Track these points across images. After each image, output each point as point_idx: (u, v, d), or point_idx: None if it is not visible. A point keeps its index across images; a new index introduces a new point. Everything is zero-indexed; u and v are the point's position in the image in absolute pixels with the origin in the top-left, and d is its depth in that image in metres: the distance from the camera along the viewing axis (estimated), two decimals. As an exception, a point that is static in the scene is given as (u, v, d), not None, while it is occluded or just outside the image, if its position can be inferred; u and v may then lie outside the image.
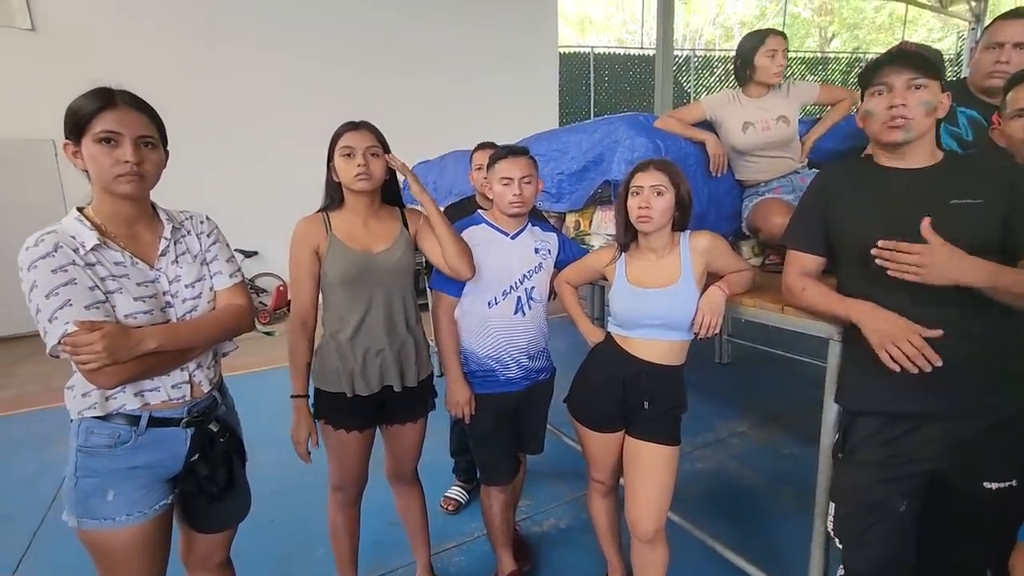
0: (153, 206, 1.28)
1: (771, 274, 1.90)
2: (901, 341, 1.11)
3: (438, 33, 7.46)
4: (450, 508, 2.48)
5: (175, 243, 1.27)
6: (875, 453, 1.26)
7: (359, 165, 1.52)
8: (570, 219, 2.41)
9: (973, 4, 11.16)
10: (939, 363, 1.08)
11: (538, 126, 3.55)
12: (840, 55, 14.76)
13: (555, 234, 1.90)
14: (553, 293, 1.89)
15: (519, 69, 8.13)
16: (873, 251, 1.14)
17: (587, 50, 10.71)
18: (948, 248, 1.08)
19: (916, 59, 1.22)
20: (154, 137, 1.18)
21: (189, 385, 1.26)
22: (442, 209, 2.66)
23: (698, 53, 12.81)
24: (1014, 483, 1.19)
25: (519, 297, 1.74)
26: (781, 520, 2.39)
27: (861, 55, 14.44)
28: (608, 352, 1.67)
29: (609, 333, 1.69)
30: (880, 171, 1.29)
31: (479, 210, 1.88)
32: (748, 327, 4.60)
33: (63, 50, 5.49)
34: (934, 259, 1.08)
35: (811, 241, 1.38)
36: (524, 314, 1.75)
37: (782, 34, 2.02)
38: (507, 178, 1.68)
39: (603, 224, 2.21)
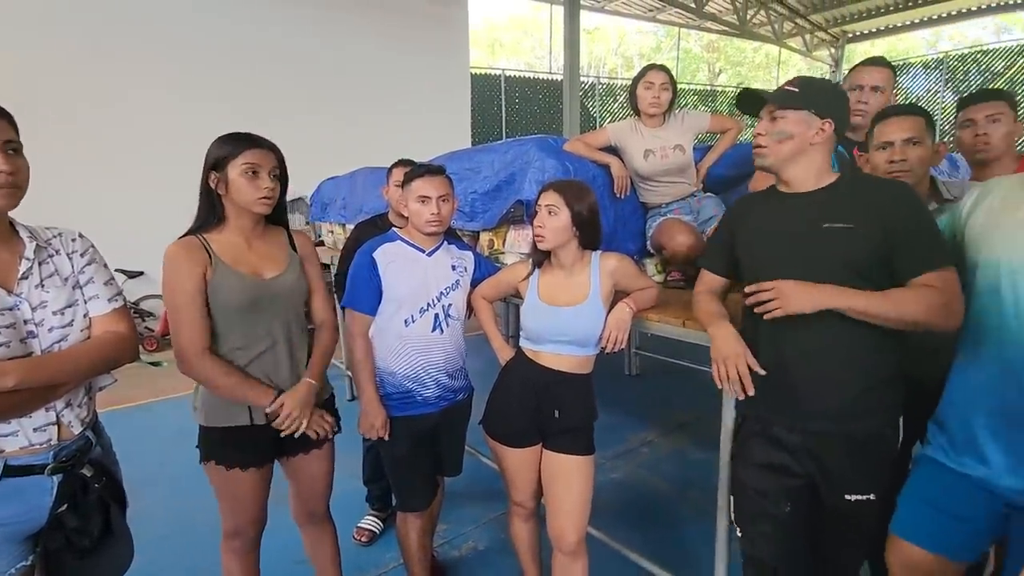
0: (11, 223, 1.12)
1: (673, 290, 2.02)
2: (729, 364, 1.27)
3: (347, 50, 7.26)
4: (363, 539, 2.36)
5: (40, 264, 1.12)
6: (756, 454, 1.37)
7: (266, 187, 1.38)
8: (484, 238, 2.42)
9: (832, 50, 13.36)
10: (751, 392, 1.25)
11: (451, 145, 3.55)
12: (727, 88, 16.24)
13: (471, 252, 1.90)
14: (470, 311, 1.89)
15: (432, 89, 8.11)
16: (746, 301, 1.27)
17: (498, 72, 10.94)
18: (793, 281, 1.19)
19: (780, 92, 1.31)
20: (17, 141, 1.04)
21: (56, 427, 1.10)
22: (354, 226, 2.60)
23: (602, 80, 13.53)
24: (872, 496, 1.28)
25: (437, 314, 1.72)
26: (689, 522, 2.52)
27: (745, 89, 15.96)
28: (519, 365, 1.70)
29: (520, 348, 1.72)
30: (777, 196, 1.36)
31: (393, 228, 1.84)
32: (655, 340, 4.85)
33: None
34: (783, 291, 1.19)
35: (714, 262, 1.51)
36: (442, 331, 1.73)
37: (664, 69, 2.16)
38: (424, 196, 1.66)
39: (516, 243, 2.24)
